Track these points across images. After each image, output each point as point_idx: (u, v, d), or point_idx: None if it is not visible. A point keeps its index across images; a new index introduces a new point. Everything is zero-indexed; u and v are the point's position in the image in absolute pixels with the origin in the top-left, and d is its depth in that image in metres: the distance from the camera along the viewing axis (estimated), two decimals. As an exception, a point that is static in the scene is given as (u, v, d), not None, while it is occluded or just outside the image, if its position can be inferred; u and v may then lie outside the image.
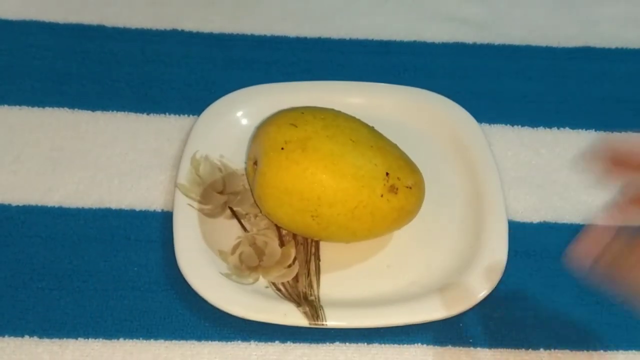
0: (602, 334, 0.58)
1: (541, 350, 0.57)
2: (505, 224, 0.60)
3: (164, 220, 0.60)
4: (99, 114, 0.66)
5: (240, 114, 0.66)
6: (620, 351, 0.57)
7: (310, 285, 0.58)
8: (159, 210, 0.61)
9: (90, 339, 0.56)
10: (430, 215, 0.60)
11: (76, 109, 0.66)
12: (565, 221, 0.63)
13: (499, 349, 0.57)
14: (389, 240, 0.61)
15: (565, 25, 0.75)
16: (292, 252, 0.60)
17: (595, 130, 0.67)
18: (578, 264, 0.47)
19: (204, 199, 0.61)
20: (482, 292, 0.57)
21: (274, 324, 0.56)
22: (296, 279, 0.59)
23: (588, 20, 0.74)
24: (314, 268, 0.59)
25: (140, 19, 0.72)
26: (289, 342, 0.56)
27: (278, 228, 0.61)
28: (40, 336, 0.56)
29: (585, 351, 0.57)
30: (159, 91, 0.68)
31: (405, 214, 0.57)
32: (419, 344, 0.57)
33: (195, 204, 0.61)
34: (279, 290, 0.58)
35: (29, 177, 0.62)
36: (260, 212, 0.60)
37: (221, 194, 0.62)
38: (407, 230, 0.60)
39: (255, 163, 0.57)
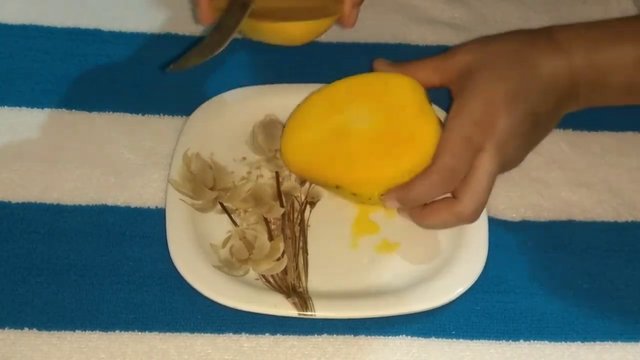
0: (579, 326, 0.59)
1: (521, 341, 0.58)
2: (486, 221, 0.61)
3: (158, 217, 0.61)
4: (95, 114, 0.67)
5: (230, 113, 0.66)
6: (597, 342, 0.58)
7: (299, 278, 0.59)
8: (153, 207, 0.62)
9: (87, 331, 0.57)
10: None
11: (74, 110, 0.67)
12: (544, 218, 0.64)
13: (480, 341, 0.58)
14: (373, 235, 0.62)
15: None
16: (281, 246, 0.60)
17: (573, 130, 0.68)
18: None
19: (195, 194, 0.62)
20: (463, 286, 0.59)
21: (264, 316, 0.57)
22: (285, 271, 0.59)
23: (565, 21, 0.75)
24: (302, 261, 0.60)
25: (136, 23, 0.72)
26: (278, 334, 0.57)
27: (267, 223, 0.62)
28: (39, 328, 0.56)
29: (563, 342, 0.58)
30: (153, 93, 0.68)
31: None
32: (404, 335, 0.58)
33: (187, 199, 0.61)
34: (269, 282, 0.59)
35: (28, 176, 0.63)
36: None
37: (212, 189, 0.63)
38: (390, 225, 0.62)
39: None
